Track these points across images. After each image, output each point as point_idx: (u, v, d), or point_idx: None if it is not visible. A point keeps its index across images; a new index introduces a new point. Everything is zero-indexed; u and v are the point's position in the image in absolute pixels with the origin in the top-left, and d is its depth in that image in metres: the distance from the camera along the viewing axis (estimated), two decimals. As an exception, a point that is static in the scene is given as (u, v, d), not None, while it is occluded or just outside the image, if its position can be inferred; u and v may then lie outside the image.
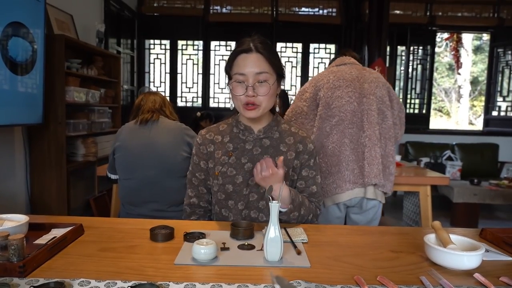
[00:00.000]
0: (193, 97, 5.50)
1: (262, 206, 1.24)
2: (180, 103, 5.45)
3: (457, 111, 10.40)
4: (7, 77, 2.22)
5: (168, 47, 5.41)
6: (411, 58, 5.45)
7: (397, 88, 5.54)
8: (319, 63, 5.44)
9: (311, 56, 5.44)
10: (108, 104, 3.70)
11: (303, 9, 5.31)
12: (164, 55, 5.43)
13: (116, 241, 1.03)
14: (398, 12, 5.27)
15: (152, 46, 5.47)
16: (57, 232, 1.03)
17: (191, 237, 1.04)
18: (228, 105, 5.37)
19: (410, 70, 5.48)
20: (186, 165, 1.62)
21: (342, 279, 0.82)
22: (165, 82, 5.46)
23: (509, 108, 5.43)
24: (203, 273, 0.84)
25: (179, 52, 5.42)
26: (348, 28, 5.23)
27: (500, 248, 1.04)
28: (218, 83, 5.43)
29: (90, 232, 1.09)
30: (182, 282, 0.78)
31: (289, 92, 5.12)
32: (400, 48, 5.48)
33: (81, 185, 3.29)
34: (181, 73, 5.44)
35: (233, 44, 5.30)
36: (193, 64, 5.44)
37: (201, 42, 5.36)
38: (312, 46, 5.45)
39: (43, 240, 0.98)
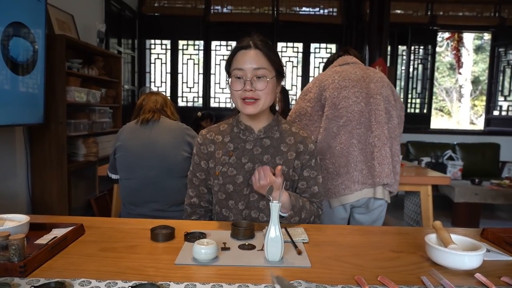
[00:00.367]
0: (194, 97, 5.50)
1: (262, 206, 1.24)
2: (180, 103, 5.45)
3: (458, 111, 10.38)
4: (8, 77, 2.22)
5: (168, 47, 5.41)
6: (412, 57, 5.44)
7: (398, 88, 5.54)
8: (319, 63, 5.43)
9: (311, 56, 5.44)
10: (109, 104, 3.70)
11: (303, 8, 5.31)
12: (164, 55, 5.43)
13: (116, 241, 1.03)
14: (399, 11, 5.27)
15: (153, 46, 5.47)
16: (57, 232, 1.04)
17: (191, 237, 1.03)
18: (228, 105, 5.38)
19: (411, 69, 5.47)
20: (186, 165, 1.62)
21: (342, 279, 0.82)
22: (166, 82, 5.46)
23: (510, 108, 5.42)
24: (203, 273, 0.84)
25: (180, 52, 5.42)
26: (349, 27, 5.23)
27: (501, 248, 1.04)
28: (219, 83, 5.43)
29: (91, 232, 1.09)
30: (182, 282, 0.78)
31: (290, 92, 5.12)
32: (401, 48, 5.47)
33: (82, 185, 3.30)
34: (182, 73, 5.44)
35: (234, 44, 5.28)
36: (194, 64, 5.44)
37: (201, 42, 5.37)
38: (313, 46, 5.45)
39: (44, 240, 0.99)
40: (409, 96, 5.52)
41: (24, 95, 2.38)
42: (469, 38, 8.97)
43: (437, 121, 9.53)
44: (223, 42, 5.40)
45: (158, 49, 5.47)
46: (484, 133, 5.59)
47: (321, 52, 5.46)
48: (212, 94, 5.47)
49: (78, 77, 3.10)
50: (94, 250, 0.96)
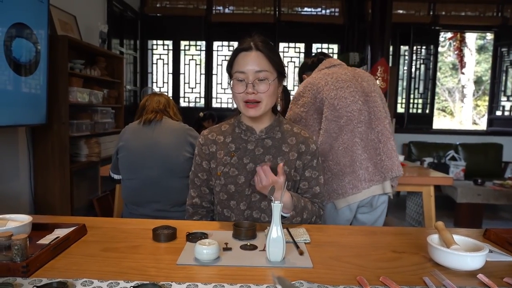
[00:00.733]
0: (195, 98, 5.51)
1: (264, 207, 1.24)
2: (182, 104, 5.46)
3: (461, 111, 10.35)
4: (11, 78, 2.23)
5: (170, 47, 5.42)
6: (414, 57, 5.43)
7: (400, 88, 5.53)
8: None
9: (313, 56, 5.43)
10: (111, 104, 3.71)
11: (305, 9, 5.31)
12: (166, 55, 5.44)
13: (118, 241, 1.03)
14: (401, 11, 5.26)
15: (155, 47, 5.48)
16: (60, 232, 1.04)
17: (193, 237, 1.04)
18: (230, 105, 5.38)
19: (413, 69, 5.46)
20: (188, 166, 1.62)
21: (344, 279, 0.82)
22: (167, 83, 5.47)
23: (513, 108, 5.40)
24: (205, 273, 0.84)
25: (182, 53, 5.43)
26: (351, 28, 5.22)
27: (504, 249, 1.04)
28: (221, 84, 5.44)
29: (93, 232, 1.10)
30: (184, 282, 0.78)
31: (291, 92, 5.12)
32: (403, 48, 5.46)
33: (84, 185, 3.31)
34: (184, 74, 5.45)
35: (235, 44, 5.29)
36: (196, 64, 5.45)
37: (203, 43, 5.37)
38: (315, 46, 5.45)
39: (46, 240, 0.99)
40: (411, 96, 5.51)
41: (26, 96, 2.39)
42: (471, 38, 8.93)
43: (439, 121, 9.50)
44: (225, 43, 5.40)
45: (160, 50, 5.48)
46: (487, 133, 5.57)
47: (323, 52, 5.45)
48: (214, 95, 5.48)
49: (80, 78, 3.11)
50: (96, 250, 0.96)
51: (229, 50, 5.37)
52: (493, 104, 5.62)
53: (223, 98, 5.48)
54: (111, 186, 2.86)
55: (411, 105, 5.53)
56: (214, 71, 5.43)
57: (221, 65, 5.38)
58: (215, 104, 5.49)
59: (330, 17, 5.29)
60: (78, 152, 3.15)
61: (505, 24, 5.26)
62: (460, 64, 6.88)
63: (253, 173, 1.21)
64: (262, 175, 1.12)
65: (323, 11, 5.29)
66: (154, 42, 5.46)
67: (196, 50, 5.47)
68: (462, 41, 6.53)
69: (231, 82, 1.21)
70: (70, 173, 2.89)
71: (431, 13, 5.28)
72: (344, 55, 4.95)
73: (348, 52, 5.00)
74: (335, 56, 5.40)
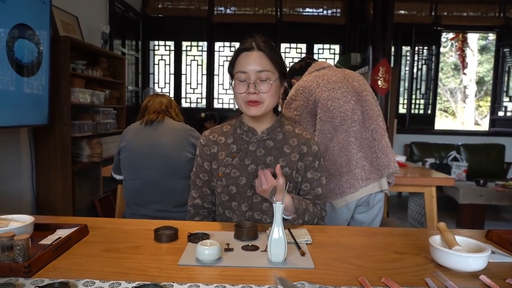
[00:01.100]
0: (197, 98, 5.51)
1: (266, 208, 1.24)
2: (184, 104, 5.47)
3: (463, 112, 10.32)
4: (13, 79, 2.24)
5: (172, 48, 5.43)
6: (416, 58, 5.42)
7: (402, 88, 5.52)
8: (323, 63, 5.42)
9: (315, 56, 5.43)
10: (113, 105, 3.72)
11: (307, 9, 5.31)
12: (168, 56, 5.45)
13: (120, 241, 1.03)
14: (403, 12, 5.25)
15: (156, 47, 5.49)
16: (62, 233, 1.04)
17: (195, 238, 1.04)
18: (232, 106, 5.38)
19: (415, 70, 5.45)
20: (190, 166, 1.62)
21: (346, 280, 0.82)
22: (169, 83, 5.48)
23: (515, 108, 5.39)
24: (207, 274, 0.84)
25: (184, 53, 5.44)
26: (353, 28, 5.22)
27: (506, 250, 1.03)
28: (223, 84, 5.44)
29: (95, 233, 1.10)
30: (186, 283, 0.78)
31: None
32: (405, 48, 5.46)
33: (86, 186, 3.31)
34: (186, 74, 5.46)
35: (237, 45, 5.28)
36: (198, 65, 5.46)
37: (205, 43, 5.38)
38: (316, 46, 5.45)
39: (48, 240, 0.99)
40: (413, 97, 5.50)
41: (29, 97, 2.40)
42: (473, 38, 8.92)
43: (441, 122, 9.47)
44: (227, 43, 5.41)
45: (162, 50, 5.49)
46: (489, 134, 5.55)
47: (324, 52, 5.45)
48: (215, 95, 5.48)
49: (82, 78, 3.12)
50: (98, 250, 0.96)
51: (230, 51, 5.38)
52: (495, 105, 5.60)
53: (224, 98, 5.48)
54: (113, 187, 2.87)
55: (413, 106, 5.52)
56: (215, 72, 5.43)
57: (223, 65, 5.38)
58: (216, 105, 5.50)
59: (331, 18, 5.29)
60: (80, 153, 3.16)
61: (507, 24, 5.24)
62: (462, 65, 6.86)
63: (255, 174, 1.21)
64: (262, 178, 1.12)
65: (325, 12, 5.29)
66: (156, 42, 5.46)
67: (197, 50, 5.48)
68: (464, 42, 6.51)
69: (233, 82, 1.21)
70: (72, 174, 2.89)
71: (433, 13, 5.27)
72: (345, 56, 4.95)
73: (350, 52, 5.00)
74: (337, 57, 5.41)
